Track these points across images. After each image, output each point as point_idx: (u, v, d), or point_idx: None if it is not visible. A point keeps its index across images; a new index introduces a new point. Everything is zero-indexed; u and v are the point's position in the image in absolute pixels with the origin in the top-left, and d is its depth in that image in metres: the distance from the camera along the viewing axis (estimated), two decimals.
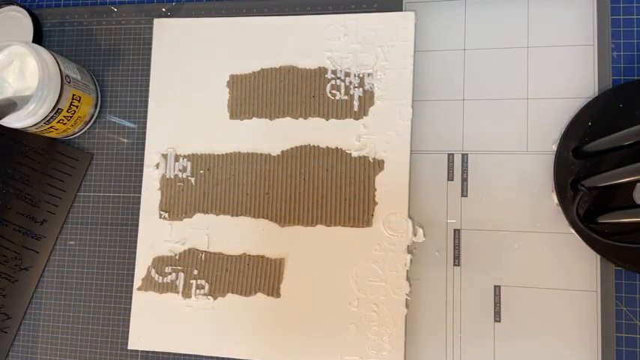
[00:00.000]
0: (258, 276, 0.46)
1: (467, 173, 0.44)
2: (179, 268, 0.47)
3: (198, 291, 0.46)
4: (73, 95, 0.46)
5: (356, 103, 0.46)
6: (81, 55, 0.52)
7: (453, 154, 0.44)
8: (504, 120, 0.44)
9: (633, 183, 0.40)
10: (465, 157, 0.44)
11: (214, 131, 0.48)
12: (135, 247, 0.48)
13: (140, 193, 0.49)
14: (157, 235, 0.48)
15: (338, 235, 0.45)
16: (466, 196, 0.44)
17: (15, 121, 0.43)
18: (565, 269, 0.42)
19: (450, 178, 0.44)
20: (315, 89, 0.47)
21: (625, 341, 0.40)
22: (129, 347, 0.47)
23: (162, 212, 0.48)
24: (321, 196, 0.46)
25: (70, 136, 0.50)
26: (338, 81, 0.46)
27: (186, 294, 0.47)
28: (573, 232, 0.41)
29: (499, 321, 0.42)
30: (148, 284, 0.47)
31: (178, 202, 0.48)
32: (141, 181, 0.49)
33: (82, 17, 0.52)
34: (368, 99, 0.46)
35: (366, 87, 0.46)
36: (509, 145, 0.43)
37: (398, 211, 0.44)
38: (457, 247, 0.43)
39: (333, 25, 0.47)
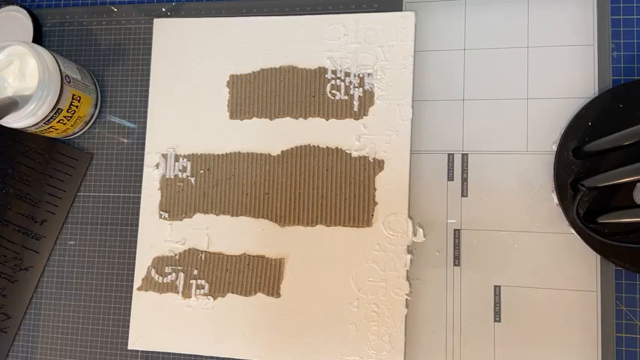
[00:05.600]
0: (258, 276, 0.46)
1: (467, 173, 0.44)
2: (179, 268, 0.47)
3: (198, 291, 0.46)
4: (73, 95, 0.46)
5: (356, 103, 0.46)
6: (81, 55, 0.52)
7: (453, 154, 0.44)
8: (504, 120, 0.44)
9: (633, 183, 0.40)
10: (465, 157, 0.44)
11: (214, 131, 0.48)
12: (135, 247, 0.48)
13: (140, 193, 0.49)
14: (157, 235, 0.48)
15: (338, 235, 0.45)
16: (466, 196, 0.44)
17: (15, 121, 0.43)
18: (565, 269, 0.42)
19: (450, 178, 0.44)
20: (315, 89, 0.47)
21: (625, 341, 0.40)
22: (129, 347, 0.47)
23: (162, 212, 0.48)
24: (321, 196, 0.46)
25: (70, 136, 0.50)
26: (338, 81, 0.47)
27: (186, 294, 0.47)
28: (573, 232, 0.41)
29: (499, 321, 0.42)
30: (148, 284, 0.47)
31: (178, 202, 0.48)
32: (141, 181, 0.49)
33: (82, 17, 0.52)
34: (368, 99, 0.46)
35: (366, 87, 0.46)
36: (509, 145, 0.43)
37: (398, 211, 0.44)
38: (457, 247, 0.43)
39: (333, 25, 0.47)
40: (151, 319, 0.47)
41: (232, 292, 0.46)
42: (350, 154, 0.46)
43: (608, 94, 0.42)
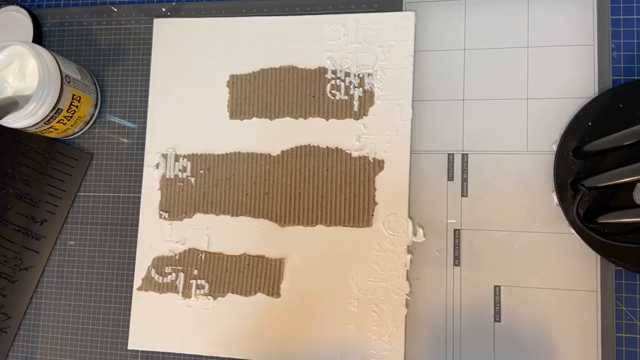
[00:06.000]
0: (258, 276, 0.46)
1: (467, 173, 0.44)
2: (179, 268, 0.47)
3: (198, 291, 0.46)
4: (73, 95, 0.46)
5: (356, 103, 0.46)
6: (81, 55, 0.52)
7: (453, 154, 0.44)
8: (504, 120, 0.44)
9: (633, 183, 0.40)
10: (465, 157, 0.44)
11: (214, 131, 0.48)
12: (135, 247, 0.48)
13: (140, 193, 0.49)
14: (157, 235, 0.48)
15: (338, 235, 0.45)
16: (466, 196, 0.44)
17: (15, 121, 0.43)
18: (565, 269, 0.42)
19: (450, 178, 0.44)
20: (315, 89, 0.47)
21: (625, 341, 0.40)
22: (129, 347, 0.47)
23: (162, 212, 0.48)
24: (321, 196, 0.46)
25: (70, 136, 0.50)
26: (338, 81, 0.47)
27: (186, 294, 0.47)
28: (573, 232, 0.41)
29: (499, 321, 0.42)
30: (148, 284, 0.47)
31: (178, 202, 0.48)
32: (141, 181, 0.49)
33: (82, 17, 0.52)
34: (368, 99, 0.46)
35: (366, 87, 0.46)
36: (509, 145, 0.43)
37: (398, 211, 0.44)
38: (457, 247, 0.43)
39: (333, 25, 0.47)
40: (151, 319, 0.47)
41: (232, 292, 0.46)
42: (350, 154, 0.46)
43: (608, 94, 0.42)
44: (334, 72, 0.47)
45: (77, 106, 0.47)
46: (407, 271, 0.43)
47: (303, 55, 0.47)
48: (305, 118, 0.47)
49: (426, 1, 0.46)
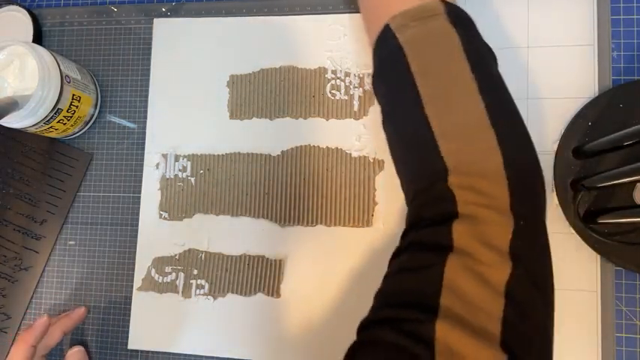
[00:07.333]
0: (258, 276, 0.46)
1: None
2: (179, 268, 0.47)
3: (198, 291, 0.46)
4: (73, 95, 0.46)
5: (356, 103, 0.46)
6: (81, 55, 0.52)
7: None
8: None
9: (633, 183, 0.40)
10: None
11: (214, 131, 0.48)
12: (135, 247, 0.48)
13: (140, 193, 0.49)
14: (156, 235, 0.48)
15: (338, 235, 0.45)
16: None
17: (15, 121, 0.43)
18: (565, 269, 0.42)
19: None
20: (315, 89, 0.47)
21: (625, 341, 0.40)
22: (129, 347, 0.47)
23: (162, 212, 0.48)
24: (321, 196, 0.46)
25: (70, 136, 0.50)
26: (338, 81, 0.46)
27: (187, 294, 0.47)
28: (573, 232, 0.41)
29: None
30: (148, 284, 0.47)
31: (178, 202, 0.48)
32: (141, 181, 0.49)
33: (82, 17, 0.52)
34: (368, 99, 0.46)
35: (366, 87, 0.46)
36: None
37: (398, 211, 0.44)
38: None
39: (333, 25, 0.47)
40: (151, 319, 0.47)
41: (232, 292, 0.46)
42: (350, 154, 0.46)
43: (608, 94, 0.42)
44: (334, 72, 0.47)
45: (77, 106, 0.47)
46: None
47: (303, 55, 0.47)
48: (305, 118, 0.47)
49: None
